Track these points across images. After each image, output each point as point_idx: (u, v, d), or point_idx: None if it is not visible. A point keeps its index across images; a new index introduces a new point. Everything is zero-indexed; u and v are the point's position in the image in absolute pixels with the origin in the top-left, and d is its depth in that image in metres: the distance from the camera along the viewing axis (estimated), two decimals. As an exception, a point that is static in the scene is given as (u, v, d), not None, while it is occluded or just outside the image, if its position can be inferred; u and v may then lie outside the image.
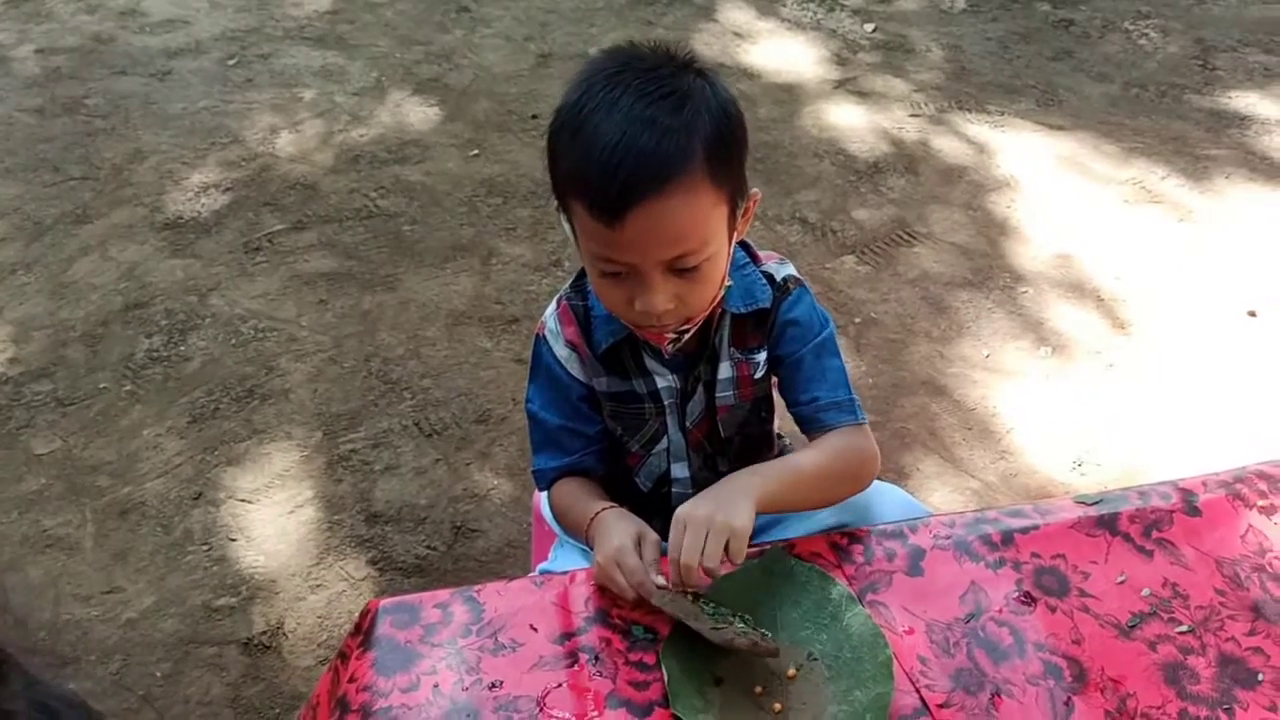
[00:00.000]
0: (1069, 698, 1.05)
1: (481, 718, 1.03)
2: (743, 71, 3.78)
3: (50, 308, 2.80)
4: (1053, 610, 1.13)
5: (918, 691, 1.06)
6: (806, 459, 1.24)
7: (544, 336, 1.31)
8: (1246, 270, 2.87)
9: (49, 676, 0.55)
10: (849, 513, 1.31)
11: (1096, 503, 1.25)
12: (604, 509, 1.20)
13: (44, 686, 0.54)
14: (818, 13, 4.19)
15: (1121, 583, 1.16)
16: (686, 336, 1.23)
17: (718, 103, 1.10)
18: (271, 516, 2.25)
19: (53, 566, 2.15)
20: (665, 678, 1.04)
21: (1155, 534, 1.21)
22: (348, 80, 3.76)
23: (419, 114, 3.58)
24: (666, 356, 1.28)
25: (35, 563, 2.15)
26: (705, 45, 3.92)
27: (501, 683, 1.06)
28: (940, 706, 1.04)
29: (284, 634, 2.02)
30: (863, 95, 3.65)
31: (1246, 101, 3.59)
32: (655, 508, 1.34)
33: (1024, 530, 1.21)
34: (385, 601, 1.15)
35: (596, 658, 1.08)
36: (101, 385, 2.56)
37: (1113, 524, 1.22)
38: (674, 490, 1.38)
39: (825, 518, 1.31)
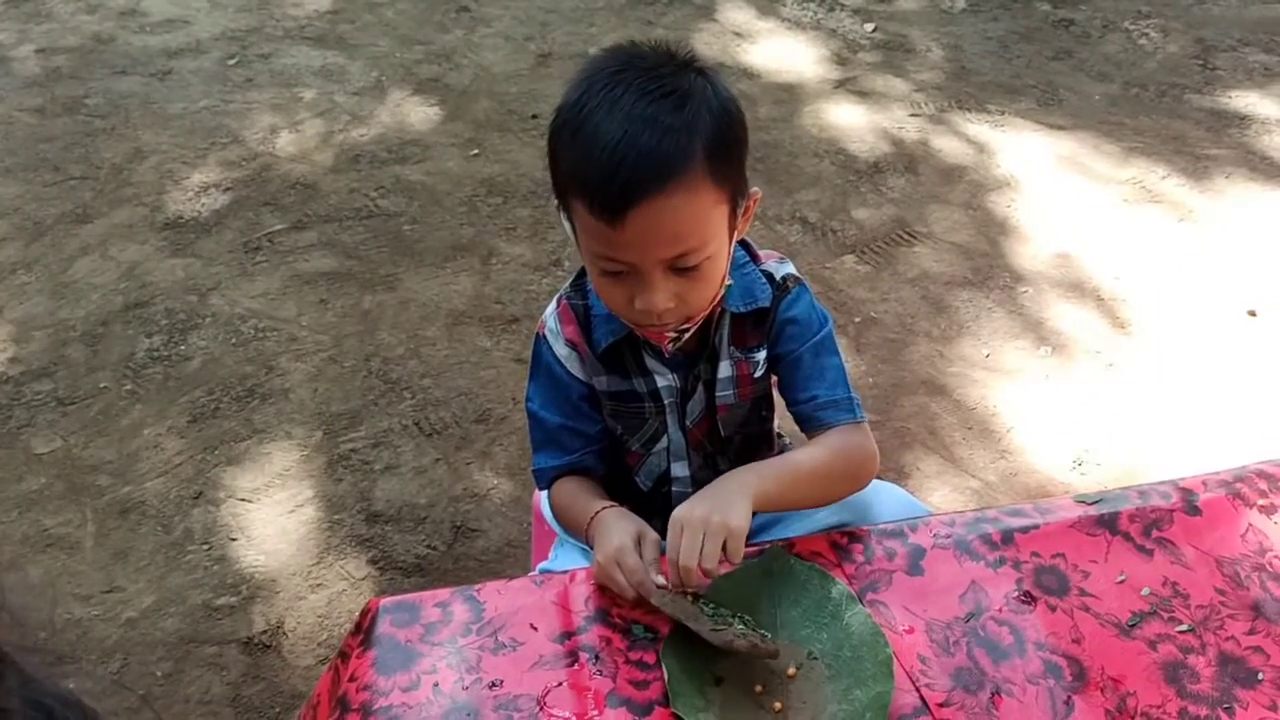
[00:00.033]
0: (1069, 697, 1.05)
1: (482, 717, 1.03)
2: (743, 71, 3.78)
3: (50, 307, 2.80)
4: (1053, 609, 1.13)
5: (918, 690, 1.06)
6: (805, 457, 1.24)
7: (544, 335, 1.31)
8: (1246, 270, 2.87)
9: (46, 675, 0.55)
10: (849, 512, 1.31)
11: (1096, 502, 1.25)
12: (604, 508, 1.20)
13: (40, 685, 0.54)
14: (818, 12, 4.19)
15: (1121, 582, 1.16)
16: (686, 335, 1.23)
17: (718, 102, 1.10)
18: (272, 516, 2.25)
19: (53, 566, 2.15)
20: (665, 677, 1.04)
21: (1155, 533, 1.21)
22: (348, 80, 3.76)
23: (419, 114, 3.58)
24: (666, 355, 1.28)
25: (35, 562, 2.15)
26: (705, 45, 3.92)
27: (502, 682, 1.06)
28: (940, 705, 1.04)
29: (284, 633, 2.02)
30: (863, 95, 3.65)
31: (1246, 101, 3.59)
32: (655, 507, 1.34)
33: (1024, 529, 1.21)
34: (385, 601, 1.15)
35: (597, 657, 1.08)
36: (102, 385, 2.56)
37: (1113, 523, 1.22)
38: (674, 489, 1.38)
39: (825, 517, 1.31)
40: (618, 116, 1.05)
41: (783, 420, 1.42)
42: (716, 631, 1.05)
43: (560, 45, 3.97)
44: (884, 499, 1.36)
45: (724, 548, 1.08)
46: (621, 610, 1.13)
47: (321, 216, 3.11)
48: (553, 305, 1.32)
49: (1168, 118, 3.52)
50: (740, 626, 1.08)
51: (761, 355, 1.29)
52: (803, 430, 1.31)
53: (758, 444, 1.40)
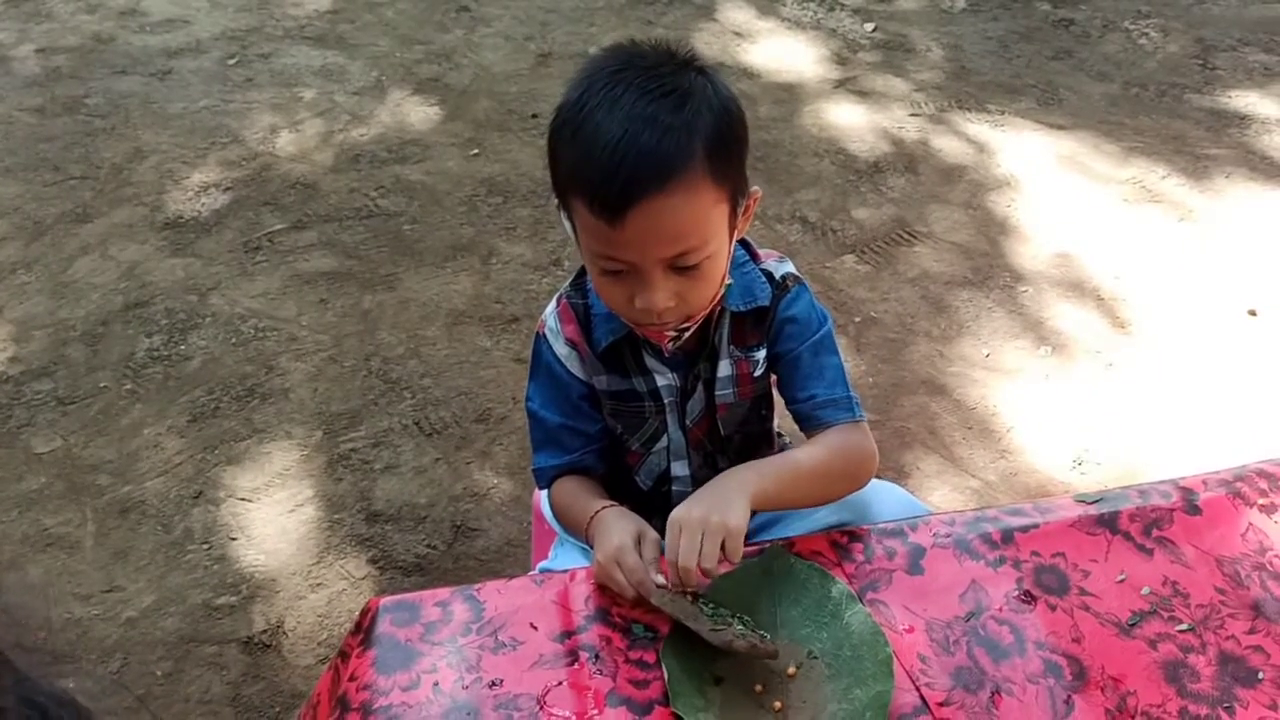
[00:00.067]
0: (1069, 696, 1.05)
1: (482, 716, 1.03)
2: (743, 71, 3.78)
3: (50, 307, 2.80)
4: (1053, 609, 1.13)
5: (918, 690, 1.06)
6: (804, 456, 1.24)
7: (544, 335, 1.31)
8: (1247, 269, 2.87)
9: (42, 674, 0.55)
10: (849, 511, 1.31)
11: (1096, 501, 1.25)
12: (604, 507, 1.20)
13: (34, 684, 0.54)
14: (818, 12, 4.19)
15: (1121, 581, 1.16)
16: (686, 334, 1.23)
17: (719, 101, 1.10)
18: (272, 515, 2.25)
19: (53, 565, 2.15)
20: (665, 676, 1.04)
21: (1155, 532, 1.21)
22: (348, 80, 3.76)
23: (419, 113, 3.58)
24: (666, 354, 1.28)
25: (35, 561, 2.15)
26: (705, 44, 3.92)
27: (502, 681, 1.06)
28: (940, 705, 1.04)
29: (284, 633, 2.02)
30: (863, 94, 3.65)
31: (1246, 101, 3.59)
32: (655, 506, 1.34)
33: (1024, 529, 1.21)
34: (385, 600, 1.15)
35: (597, 656, 1.08)
36: (102, 384, 2.56)
37: (1113, 522, 1.22)
38: (674, 489, 1.38)
39: (825, 516, 1.31)
40: (618, 115, 1.05)
41: (782, 419, 1.42)
42: (716, 631, 1.05)
43: (560, 45, 3.97)
44: (884, 498, 1.36)
45: (723, 547, 1.08)
46: (621, 610, 1.13)
47: (321, 216, 3.11)
48: (552, 304, 1.32)
49: (1168, 117, 3.52)
50: (740, 626, 1.08)
51: (761, 354, 1.29)
52: (802, 429, 1.31)
53: (757, 443, 1.40)
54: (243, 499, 2.28)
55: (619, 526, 1.15)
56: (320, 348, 2.66)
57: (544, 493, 1.40)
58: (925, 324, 2.71)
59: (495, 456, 2.37)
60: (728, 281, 1.21)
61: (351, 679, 1.08)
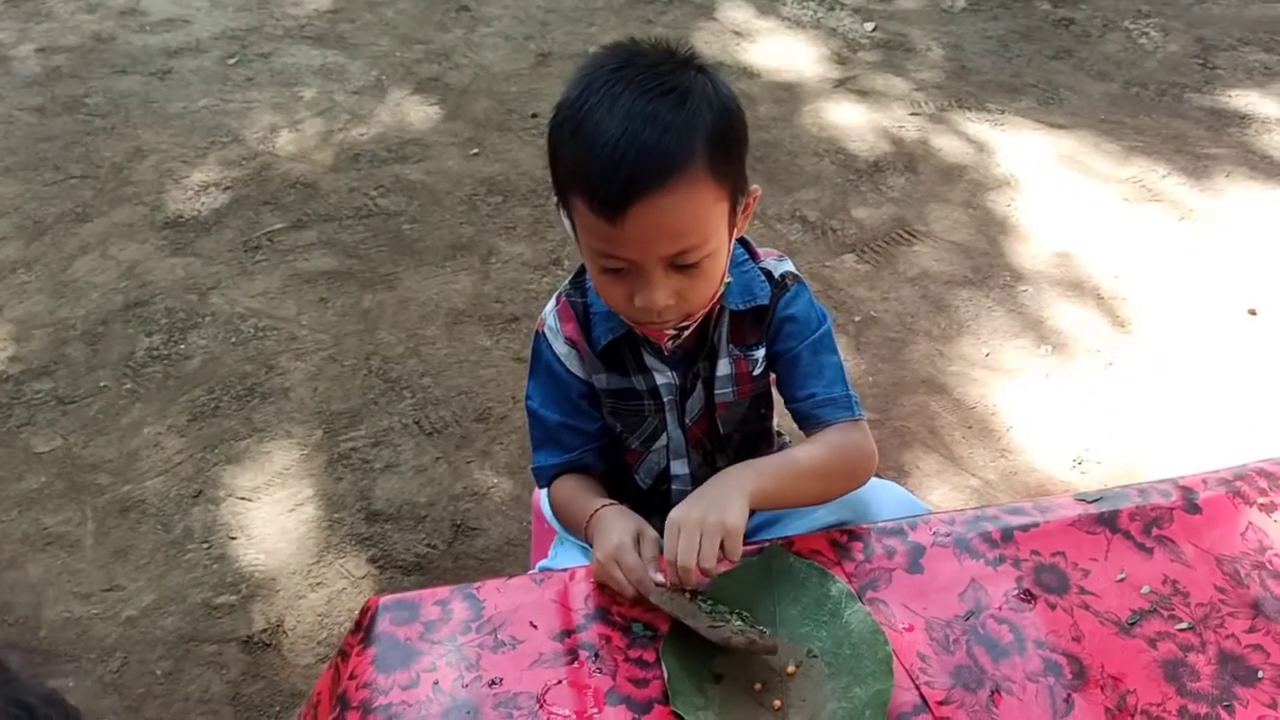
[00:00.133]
0: (1069, 695, 1.05)
1: (481, 715, 1.03)
2: (743, 70, 3.78)
3: (51, 306, 2.80)
4: (1052, 607, 1.13)
5: (917, 688, 1.06)
6: (803, 454, 1.24)
7: (543, 333, 1.31)
8: (1247, 269, 2.87)
9: (33, 674, 0.55)
10: (848, 510, 1.31)
11: (1096, 500, 1.25)
12: (603, 506, 1.20)
13: (22, 684, 0.54)
14: (818, 11, 4.19)
15: (1121, 580, 1.16)
16: (686, 333, 1.23)
17: (719, 99, 1.10)
18: (272, 514, 2.25)
19: (53, 564, 2.15)
20: (665, 675, 1.04)
21: (1155, 531, 1.21)
22: (348, 79, 3.76)
23: (419, 113, 3.58)
24: (666, 353, 1.28)
25: (35, 560, 2.15)
26: (705, 44, 3.92)
27: (501, 680, 1.06)
28: (940, 703, 1.04)
29: (284, 632, 2.02)
30: (863, 94, 3.65)
31: (1247, 100, 3.59)
32: (655, 505, 1.34)
33: (1024, 528, 1.21)
34: (385, 599, 1.14)
35: (596, 655, 1.08)
36: (102, 383, 2.56)
37: (1113, 521, 1.22)
38: (673, 487, 1.38)
39: (824, 515, 1.31)
40: (618, 114, 1.05)
41: (782, 419, 1.42)
42: (714, 628, 1.05)
43: (560, 44, 3.97)
44: (883, 497, 1.36)
45: (722, 546, 1.07)
46: (621, 608, 1.13)
47: (321, 215, 3.11)
48: (552, 303, 1.32)
49: (1168, 117, 3.52)
50: (739, 622, 1.08)
51: (760, 353, 1.29)
52: (801, 428, 1.31)
53: (757, 442, 1.40)
54: (243, 498, 2.28)
55: (618, 525, 1.15)
56: (320, 347, 2.66)
57: (544, 491, 1.40)
58: (925, 323, 2.71)
59: (495, 456, 2.37)
60: (727, 280, 1.21)
61: (351, 678, 1.08)
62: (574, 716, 1.03)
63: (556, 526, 1.40)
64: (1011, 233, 3.03)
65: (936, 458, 2.35)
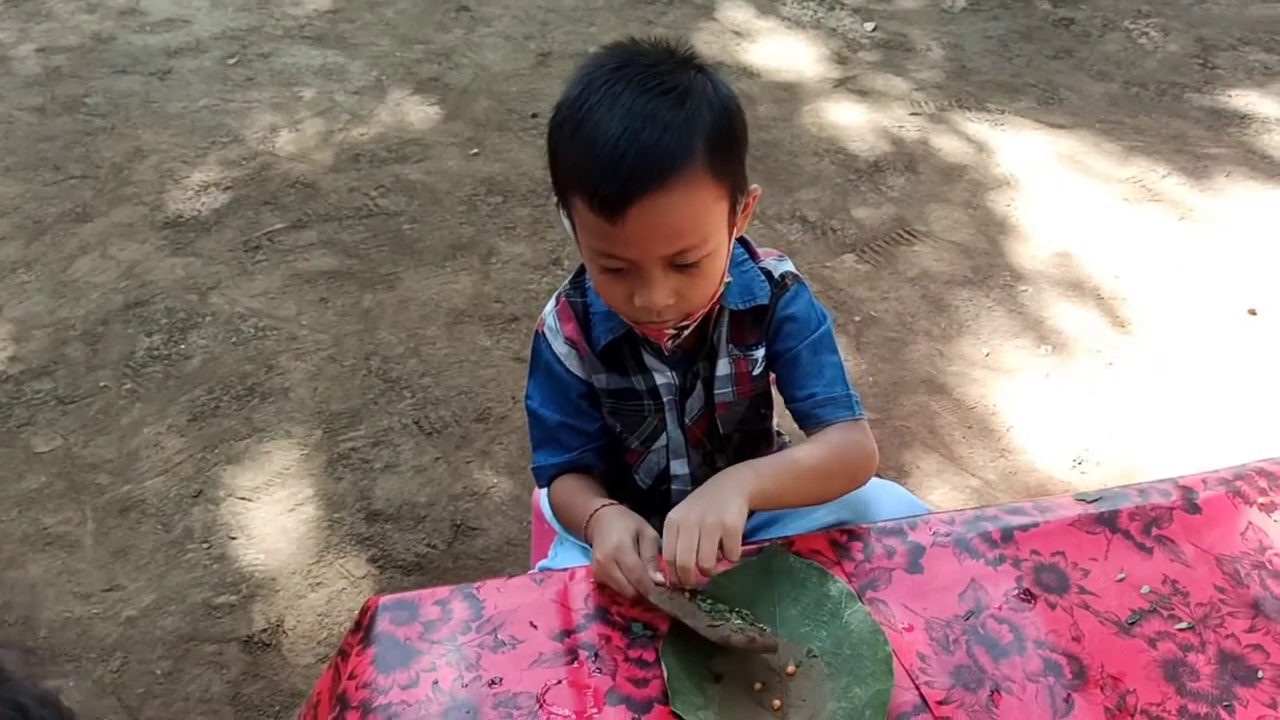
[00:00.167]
0: (1069, 695, 1.05)
1: (481, 714, 1.03)
2: (742, 70, 3.78)
3: (51, 306, 2.80)
4: (1052, 607, 1.13)
5: (917, 688, 1.06)
6: (803, 454, 1.24)
7: (543, 333, 1.31)
8: (1247, 268, 2.87)
9: (29, 674, 0.55)
10: (848, 510, 1.31)
11: (1096, 500, 1.25)
12: (603, 506, 1.20)
13: (16, 684, 0.54)
14: (818, 11, 4.19)
15: (1121, 580, 1.16)
16: (686, 333, 1.23)
17: (718, 99, 1.10)
18: (271, 514, 2.25)
19: (53, 564, 2.15)
20: (665, 674, 1.04)
21: (1155, 531, 1.21)
22: (348, 79, 3.76)
23: (419, 113, 3.58)
24: (665, 353, 1.28)
25: (35, 560, 2.15)
26: (705, 44, 3.92)
27: (501, 679, 1.06)
28: (940, 703, 1.04)
29: (284, 632, 2.02)
30: (863, 94, 3.65)
31: (1247, 100, 3.59)
32: (654, 505, 1.34)
33: (1024, 527, 1.21)
34: (385, 599, 1.14)
35: (596, 655, 1.08)
36: (102, 383, 2.56)
37: (1112, 521, 1.22)
38: (673, 487, 1.38)
39: (824, 515, 1.31)
40: (618, 113, 1.05)
41: (782, 418, 1.42)
42: (714, 627, 1.05)
43: (560, 44, 3.97)
44: (883, 497, 1.36)
45: (721, 546, 1.07)
46: (621, 608, 1.13)
47: (321, 215, 3.11)
48: (552, 303, 1.32)
49: (1168, 117, 3.52)
50: (738, 621, 1.08)
51: (760, 353, 1.29)
52: (801, 428, 1.31)
53: (757, 442, 1.40)
54: (242, 498, 2.28)
55: (618, 525, 1.15)
56: (320, 347, 2.66)
57: (543, 491, 1.40)
58: (925, 323, 2.71)
59: (495, 455, 2.37)
60: (727, 280, 1.21)
61: (351, 677, 1.08)
62: (574, 716, 1.03)
63: (556, 526, 1.40)
64: (1011, 233, 3.03)
65: (936, 458, 2.35)
